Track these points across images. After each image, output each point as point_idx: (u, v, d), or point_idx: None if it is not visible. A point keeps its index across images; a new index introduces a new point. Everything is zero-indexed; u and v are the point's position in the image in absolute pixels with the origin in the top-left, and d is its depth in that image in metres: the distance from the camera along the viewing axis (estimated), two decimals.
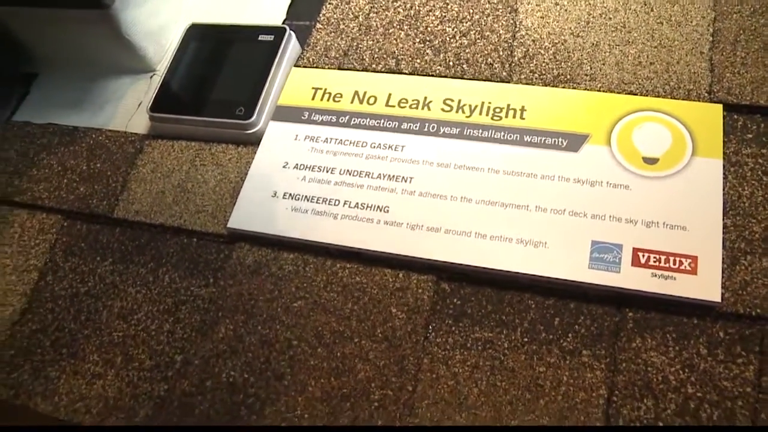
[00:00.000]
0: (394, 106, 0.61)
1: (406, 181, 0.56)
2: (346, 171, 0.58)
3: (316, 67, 0.66)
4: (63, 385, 0.57)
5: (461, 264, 0.53)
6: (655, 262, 0.49)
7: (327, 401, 0.50)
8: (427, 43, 0.64)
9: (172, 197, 0.62)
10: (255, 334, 0.54)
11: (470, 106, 0.59)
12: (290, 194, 0.58)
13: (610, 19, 0.60)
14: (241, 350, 0.54)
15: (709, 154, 0.52)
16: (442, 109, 0.59)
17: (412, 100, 0.61)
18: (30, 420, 0.57)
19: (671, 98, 0.56)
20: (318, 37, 0.67)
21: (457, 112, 0.59)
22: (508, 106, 0.58)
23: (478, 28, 0.63)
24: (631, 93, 0.57)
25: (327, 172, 0.59)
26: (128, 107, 0.71)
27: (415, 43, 0.64)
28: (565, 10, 0.61)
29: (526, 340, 0.50)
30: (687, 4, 0.59)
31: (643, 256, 0.49)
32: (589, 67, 0.58)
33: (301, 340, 0.53)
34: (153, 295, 0.59)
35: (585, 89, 0.58)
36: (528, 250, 0.51)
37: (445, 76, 0.63)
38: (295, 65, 0.67)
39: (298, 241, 0.57)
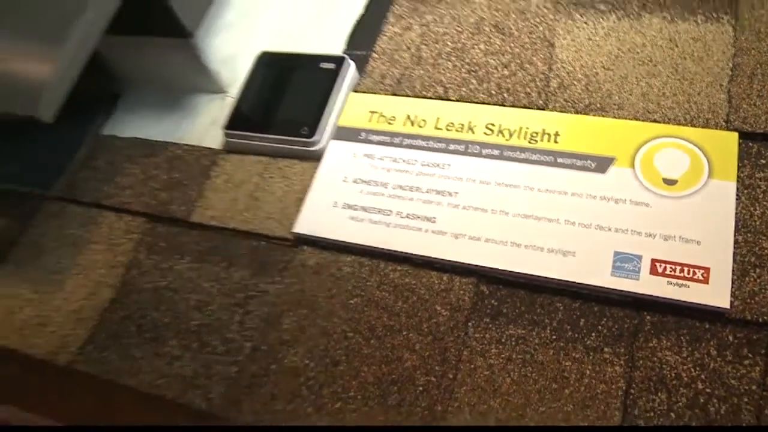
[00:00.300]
0: (441, 129, 0.65)
1: (451, 196, 0.61)
2: (398, 185, 0.63)
3: (373, 93, 0.70)
4: (146, 365, 0.62)
5: (499, 269, 0.56)
6: (671, 271, 0.53)
7: (377, 385, 0.55)
8: (473, 73, 0.68)
9: (243, 205, 0.68)
10: (315, 326, 0.59)
11: (509, 130, 0.63)
12: (349, 204, 0.63)
13: (638, 53, 0.64)
14: (303, 339, 0.59)
15: (724, 177, 0.56)
16: (485, 133, 0.64)
17: (458, 124, 0.65)
18: (117, 394, 0.62)
19: (691, 126, 0.59)
20: (374, 65, 0.72)
21: (497, 135, 0.63)
22: (543, 131, 0.62)
23: (518, 61, 0.67)
24: (654, 121, 0.60)
25: (381, 186, 0.63)
26: (203, 124, 0.76)
27: (461, 73, 0.68)
28: (598, 45, 0.65)
29: (554, 337, 0.54)
30: (709, 41, 0.63)
31: (661, 266, 0.53)
32: (617, 98, 0.62)
33: (356, 332, 0.58)
34: (225, 290, 0.64)
35: (613, 117, 0.61)
36: (558, 258, 0.55)
37: (488, 103, 0.66)
38: (354, 90, 0.71)
39: (355, 246, 0.61)
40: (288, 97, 0.71)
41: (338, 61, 0.71)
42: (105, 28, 0.62)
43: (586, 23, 0.67)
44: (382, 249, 0.61)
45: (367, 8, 0.77)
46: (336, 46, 0.76)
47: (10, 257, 0.75)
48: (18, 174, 0.80)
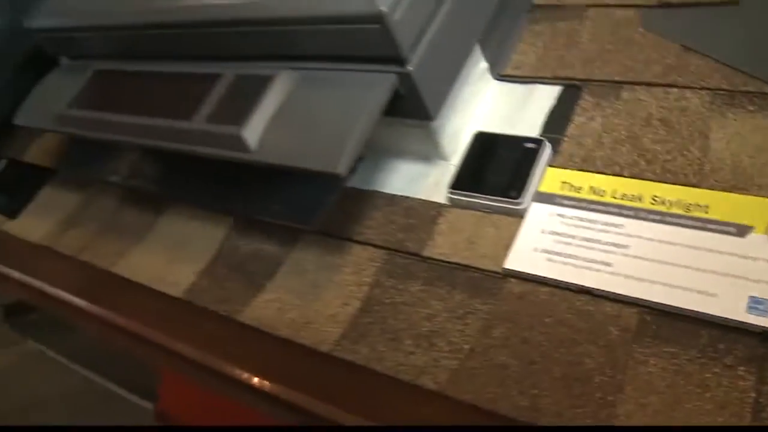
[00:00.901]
0: (617, 198, 0.77)
1: (623, 248, 0.73)
2: (583, 238, 0.75)
3: (563, 168, 0.82)
4: (388, 356, 0.76)
5: (659, 302, 0.68)
6: None
7: (564, 380, 0.70)
8: (642, 156, 0.80)
9: (462, 246, 0.84)
10: (518, 336, 0.75)
11: (670, 201, 0.74)
12: (545, 250, 0.76)
13: None
14: (508, 345, 0.74)
15: None
16: (650, 203, 0.75)
17: (630, 195, 0.77)
18: (365, 375, 0.80)
19: None
20: (565, 147, 0.84)
21: (660, 205, 0.74)
22: (697, 203, 0.73)
23: (679, 149, 0.78)
24: None
25: (570, 237, 0.76)
26: (430, 184, 0.92)
27: (633, 156, 0.80)
28: (744, 138, 0.78)
29: (699, 356, 0.64)
30: None
31: None
32: (758, 180, 0.72)
33: (549, 341, 0.73)
34: (449, 307, 0.80)
35: (754, 195, 0.71)
36: (703, 297, 0.66)
37: (654, 181, 0.77)
38: (549, 165, 0.83)
39: (550, 280, 0.74)
40: (499, 167, 0.85)
41: (538, 142, 0.84)
42: (381, 111, 0.82)
43: (735, 120, 0.81)
44: (570, 283, 0.73)
45: (559, 101, 0.93)
46: (534, 130, 0.89)
47: (278, 274, 0.98)
48: (285, 211, 1.00)
